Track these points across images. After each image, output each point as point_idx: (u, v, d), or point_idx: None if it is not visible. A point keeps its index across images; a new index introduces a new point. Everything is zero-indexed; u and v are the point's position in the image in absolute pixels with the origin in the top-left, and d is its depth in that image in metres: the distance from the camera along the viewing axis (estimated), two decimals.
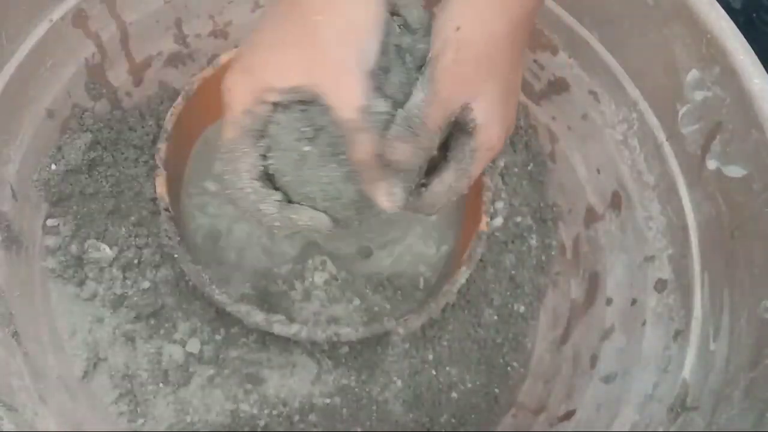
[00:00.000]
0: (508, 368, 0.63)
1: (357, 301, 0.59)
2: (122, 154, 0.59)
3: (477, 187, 0.62)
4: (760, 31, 0.74)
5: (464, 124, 0.38)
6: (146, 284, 0.57)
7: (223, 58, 0.62)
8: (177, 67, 0.64)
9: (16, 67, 0.50)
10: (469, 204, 0.63)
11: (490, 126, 0.38)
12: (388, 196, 0.39)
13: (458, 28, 0.36)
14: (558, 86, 0.61)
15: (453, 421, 0.59)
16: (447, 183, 0.40)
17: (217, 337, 0.59)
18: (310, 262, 0.60)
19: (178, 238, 0.54)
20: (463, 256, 0.57)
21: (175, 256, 0.53)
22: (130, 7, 0.57)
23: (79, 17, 0.54)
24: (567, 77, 0.60)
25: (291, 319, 0.53)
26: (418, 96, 0.37)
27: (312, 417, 0.58)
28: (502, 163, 0.66)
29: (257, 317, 0.52)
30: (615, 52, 0.55)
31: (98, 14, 0.55)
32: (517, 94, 0.41)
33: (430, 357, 0.61)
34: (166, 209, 0.54)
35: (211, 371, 0.58)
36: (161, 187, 0.55)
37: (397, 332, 0.54)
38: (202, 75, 0.61)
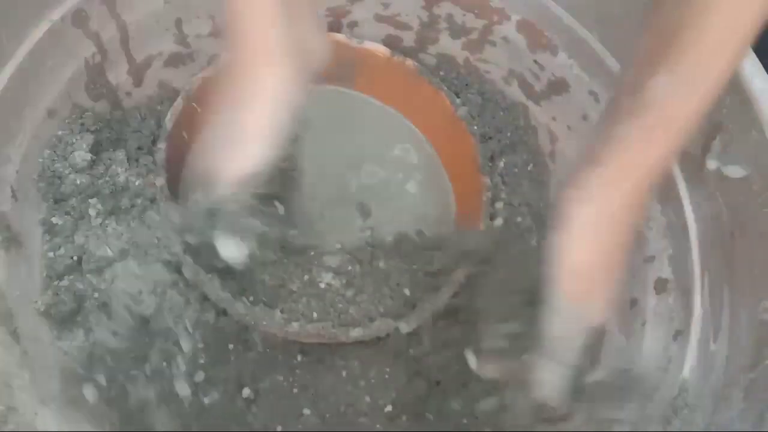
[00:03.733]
0: None
1: (359, 302, 0.59)
2: (122, 154, 0.59)
3: (477, 188, 0.62)
4: (760, 31, 0.74)
5: None
6: (147, 284, 0.57)
7: (224, 58, 0.62)
8: (177, 67, 0.64)
9: (16, 68, 0.50)
10: (469, 204, 0.63)
11: (596, 313, 0.40)
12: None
13: (565, 260, 0.38)
14: (558, 86, 0.61)
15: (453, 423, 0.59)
16: None
17: (218, 336, 0.59)
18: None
19: (180, 237, 0.54)
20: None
21: (176, 250, 0.53)
22: (130, 7, 0.57)
23: (79, 17, 0.54)
24: (567, 77, 0.60)
25: (291, 318, 0.53)
26: (551, 318, 0.39)
27: (312, 418, 0.58)
28: (502, 164, 0.66)
29: (257, 318, 0.52)
30: (615, 52, 0.55)
31: (98, 14, 0.55)
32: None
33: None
34: None
35: (212, 370, 0.58)
36: (162, 187, 0.55)
37: (397, 331, 0.54)
38: (202, 75, 0.61)
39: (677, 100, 0.36)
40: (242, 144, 0.41)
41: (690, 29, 0.35)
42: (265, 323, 0.52)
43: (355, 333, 0.53)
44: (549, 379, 0.41)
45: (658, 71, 0.36)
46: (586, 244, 0.38)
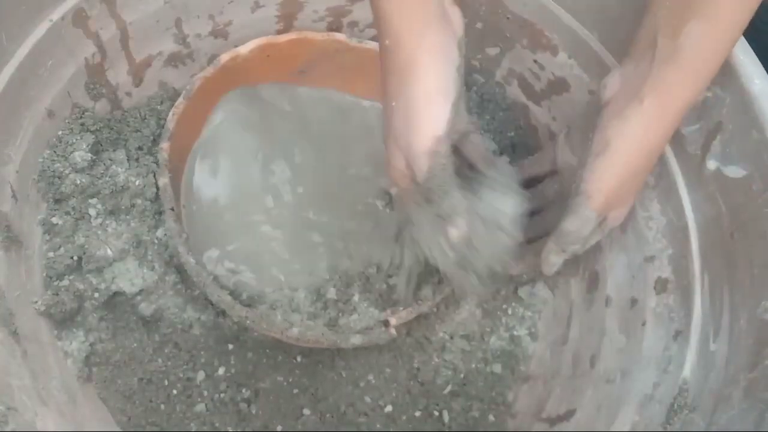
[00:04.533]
0: (507, 368, 0.63)
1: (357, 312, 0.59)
2: (122, 154, 0.59)
3: None
4: (760, 31, 0.74)
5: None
6: (147, 284, 0.57)
7: (223, 58, 0.62)
8: (177, 67, 0.64)
9: (16, 67, 0.50)
10: None
11: (618, 221, 0.49)
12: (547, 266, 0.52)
13: (617, 146, 0.44)
14: (558, 86, 0.61)
15: (453, 421, 0.59)
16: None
17: (218, 336, 0.59)
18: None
19: (185, 236, 0.54)
20: None
21: (179, 249, 0.53)
22: (130, 7, 0.57)
23: (79, 17, 0.54)
24: (567, 77, 0.60)
25: (289, 323, 0.53)
26: (572, 220, 0.47)
27: (312, 417, 0.58)
28: (507, 161, 0.66)
29: (257, 321, 0.52)
30: (615, 52, 0.55)
31: (98, 14, 0.55)
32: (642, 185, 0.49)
33: (429, 357, 0.61)
34: (171, 209, 0.54)
35: (212, 370, 0.58)
36: (165, 187, 0.55)
37: (388, 322, 0.54)
38: (203, 75, 0.61)
39: (710, 45, 0.41)
40: (427, 109, 0.42)
41: None
42: (265, 326, 0.52)
43: (355, 340, 0.53)
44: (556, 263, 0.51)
45: (692, 17, 0.41)
46: (622, 171, 0.45)
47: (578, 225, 0.47)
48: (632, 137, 0.44)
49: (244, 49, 0.63)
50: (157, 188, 0.58)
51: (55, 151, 0.55)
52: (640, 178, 0.47)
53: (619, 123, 0.44)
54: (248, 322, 0.52)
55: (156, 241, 0.58)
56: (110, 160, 0.58)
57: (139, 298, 0.57)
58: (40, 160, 0.55)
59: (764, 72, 0.45)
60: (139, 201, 0.58)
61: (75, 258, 0.55)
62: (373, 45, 0.66)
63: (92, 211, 0.57)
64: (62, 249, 0.55)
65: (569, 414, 0.56)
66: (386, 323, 0.54)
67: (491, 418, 0.61)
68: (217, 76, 0.62)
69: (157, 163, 0.59)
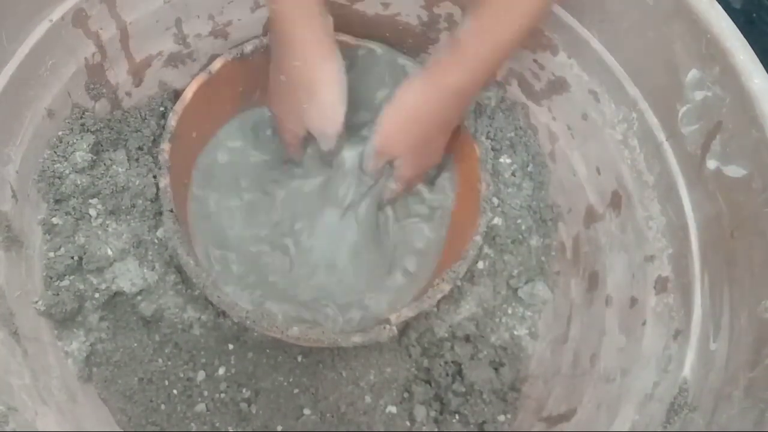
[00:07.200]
0: (508, 367, 0.63)
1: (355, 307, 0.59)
2: (123, 154, 0.59)
3: (475, 187, 0.62)
4: (760, 31, 0.74)
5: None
6: (147, 284, 0.57)
7: (227, 56, 0.62)
8: (177, 67, 0.64)
9: (17, 67, 0.50)
10: (467, 204, 0.63)
11: (406, 171, 0.59)
12: None
13: (395, 104, 0.55)
14: (558, 86, 0.61)
15: (454, 421, 0.59)
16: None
17: (218, 336, 0.59)
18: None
19: (181, 239, 0.54)
20: (461, 250, 0.57)
21: (179, 251, 0.53)
22: (130, 7, 0.57)
23: (79, 17, 0.54)
24: (567, 77, 0.60)
25: (288, 321, 0.53)
26: (367, 149, 0.58)
27: (312, 417, 0.58)
28: (502, 164, 0.66)
29: (257, 321, 0.52)
30: (615, 51, 0.55)
31: (98, 14, 0.55)
32: (438, 149, 0.60)
33: (429, 356, 0.61)
34: (171, 210, 0.54)
35: (212, 371, 0.58)
36: (165, 188, 0.55)
37: (389, 322, 0.54)
38: (203, 75, 0.61)
39: (476, 42, 0.50)
40: (325, 101, 0.55)
41: None
42: (265, 326, 0.52)
43: (356, 338, 0.53)
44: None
45: (468, 18, 0.50)
46: (397, 118, 0.55)
47: (369, 150, 0.57)
48: (410, 91, 0.54)
49: (248, 47, 0.63)
50: (157, 189, 0.58)
51: (55, 151, 0.55)
52: (419, 130, 0.55)
53: (406, 80, 0.55)
54: (249, 321, 0.52)
55: (156, 241, 0.58)
56: (110, 160, 0.58)
57: (139, 298, 0.57)
58: (41, 160, 0.55)
59: (764, 71, 0.45)
60: (139, 201, 0.58)
61: (75, 258, 0.55)
62: (374, 45, 0.66)
63: (92, 211, 0.57)
64: (62, 249, 0.55)
65: (569, 413, 0.56)
66: (387, 321, 0.54)
67: (492, 417, 0.61)
68: (216, 77, 0.62)
69: (156, 163, 0.59)
